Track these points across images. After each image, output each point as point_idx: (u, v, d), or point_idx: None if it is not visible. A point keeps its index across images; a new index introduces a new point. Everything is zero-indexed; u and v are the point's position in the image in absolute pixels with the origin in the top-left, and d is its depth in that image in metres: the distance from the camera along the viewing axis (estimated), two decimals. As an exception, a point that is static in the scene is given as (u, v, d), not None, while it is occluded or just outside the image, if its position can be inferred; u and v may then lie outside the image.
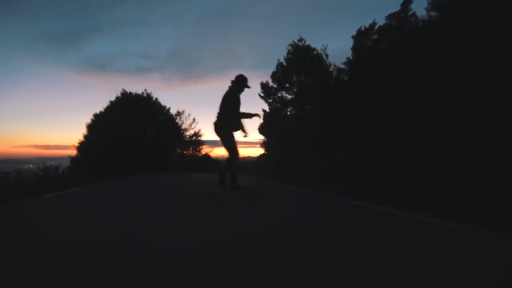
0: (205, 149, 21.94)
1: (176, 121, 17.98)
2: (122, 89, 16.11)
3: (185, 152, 20.39)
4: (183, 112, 19.44)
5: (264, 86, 19.74)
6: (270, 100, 19.98)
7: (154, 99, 16.65)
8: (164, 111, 17.13)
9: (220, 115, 4.39)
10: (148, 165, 14.89)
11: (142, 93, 16.41)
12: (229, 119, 4.38)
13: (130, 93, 16.23)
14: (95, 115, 15.82)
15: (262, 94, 20.01)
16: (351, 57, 13.93)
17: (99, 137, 14.76)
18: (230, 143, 4.38)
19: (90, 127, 15.61)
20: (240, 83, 4.48)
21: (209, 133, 22.78)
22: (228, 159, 4.45)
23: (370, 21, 12.90)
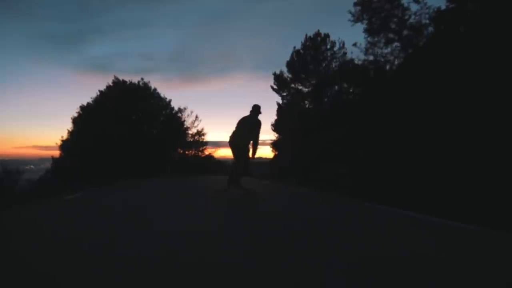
0: (208, 150, 19.72)
1: (179, 115, 15.55)
2: (114, 76, 13.72)
3: (187, 152, 18.06)
4: (185, 109, 17.20)
5: (277, 77, 17.40)
6: (285, 93, 17.71)
7: (152, 89, 14.26)
8: (163, 103, 14.71)
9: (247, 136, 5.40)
10: (145, 166, 12.49)
11: (139, 82, 14.02)
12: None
13: (124, 81, 13.82)
14: (83, 108, 13.40)
15: (275, 87, 17.68)
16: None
17: (87, 133, 12.36)
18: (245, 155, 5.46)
19: (76, 121, 13.20)
20: (258, 112, 5.50)
21: (211, 134, 20.26)
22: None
23: None
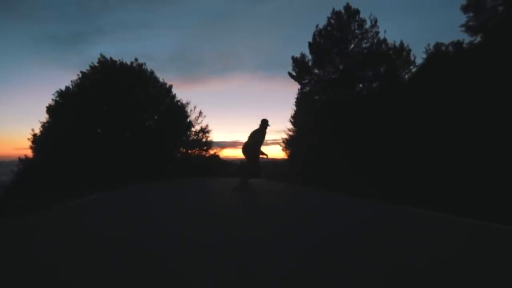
0: (212, 149, 17.30)
1: (183, 105, 12.86)
2: (101, 54, 10.99)
3: (190, 151, 15.42)
4: (187, 103, 14.89)
5: (297, 61, 14.76)
6: (305, 81, 15.09)
7: (149, 72, 11.50)
8: (163, 90, 11.96)
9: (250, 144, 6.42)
10: (141, 167, 9.84)
11: (132, 63, 11.28)
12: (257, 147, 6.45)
13: (113, 60, 11.02)
14: (61, 94, 10.61)
15: (293, 73, 15.03)
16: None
17: (65, 126, 9.66)
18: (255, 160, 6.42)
19: (52, 111, 10.44)
20: (265, 125, 6.44)
21: (212, 134, 17.90)
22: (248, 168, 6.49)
23: None
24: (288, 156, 19.72)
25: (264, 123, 6.38)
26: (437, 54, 8.71)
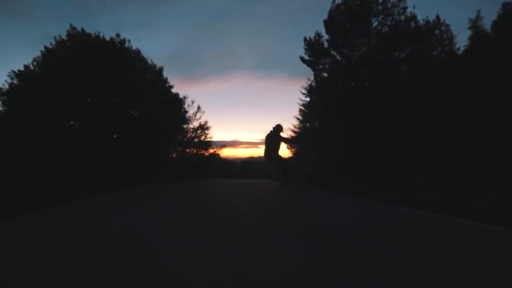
0: (212, 148, 15.48)
1: (178, 95, 10.81)
2: (70, 26, 8.21)
3: (187, 150, 13.39)
4: (185, 98, 13.17)
5: (311, 44, 12.66)
6: (320, 66, 13.02)
7: (131, 48, 9.14)
8: (153, 75, 9.72)
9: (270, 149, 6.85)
10: (127, 170, 7.74)
11: (112, 39, 8.89)
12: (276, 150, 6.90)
13: (86, 33, 8.56)
14: (20, 75, 8.22)
15: (306, 58, 12.95)
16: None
17: (25, 116, 7.38)
18: (280, 161, 6.90)
19: (7, 96, 8.10)
20: (279, 130, 6.87)
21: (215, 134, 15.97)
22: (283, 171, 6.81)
23: None
24: (294, 154, 18.19)
25: (276, 129, 6.78)
26: (507, 15, 6.67)
